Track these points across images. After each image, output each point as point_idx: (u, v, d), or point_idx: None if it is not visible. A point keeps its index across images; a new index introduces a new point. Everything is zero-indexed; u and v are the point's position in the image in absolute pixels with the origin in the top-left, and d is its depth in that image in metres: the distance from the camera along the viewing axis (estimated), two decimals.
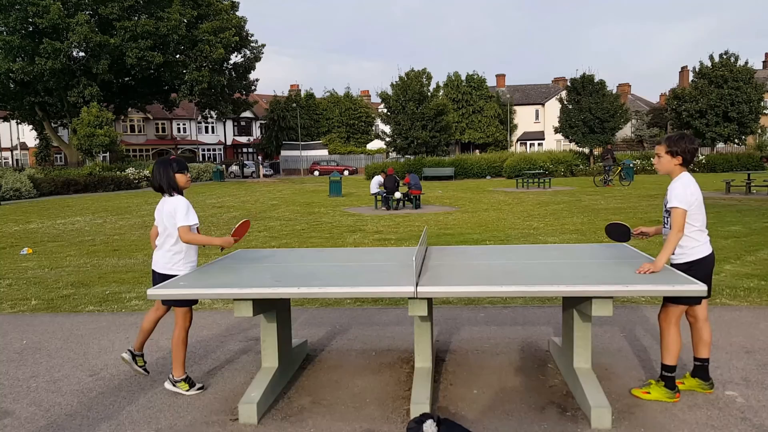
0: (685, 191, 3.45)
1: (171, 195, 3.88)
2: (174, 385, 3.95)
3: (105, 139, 33.30)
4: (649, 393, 3.60)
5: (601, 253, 4.24)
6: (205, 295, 3.42)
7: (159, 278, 3.88)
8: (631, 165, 26.44)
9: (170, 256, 3.89)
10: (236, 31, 39.63)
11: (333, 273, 3.80)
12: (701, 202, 3.54)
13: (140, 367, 4.13)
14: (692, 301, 3.52)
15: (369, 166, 37.04)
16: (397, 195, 17.35)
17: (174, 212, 3.80)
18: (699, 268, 3.48)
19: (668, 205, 3.48)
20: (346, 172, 48.50)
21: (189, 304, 3.93)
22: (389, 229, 12.45)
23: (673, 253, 3.57)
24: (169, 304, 3.98)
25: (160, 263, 3.92)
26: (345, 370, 4.31)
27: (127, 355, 4.10)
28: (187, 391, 3.93)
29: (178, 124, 59.20)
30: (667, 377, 3.57)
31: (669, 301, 3.56)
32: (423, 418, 3.08)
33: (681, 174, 3.57)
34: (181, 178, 3.90)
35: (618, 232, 4.15)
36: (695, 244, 3.51)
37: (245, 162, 50.36)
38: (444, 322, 5.43)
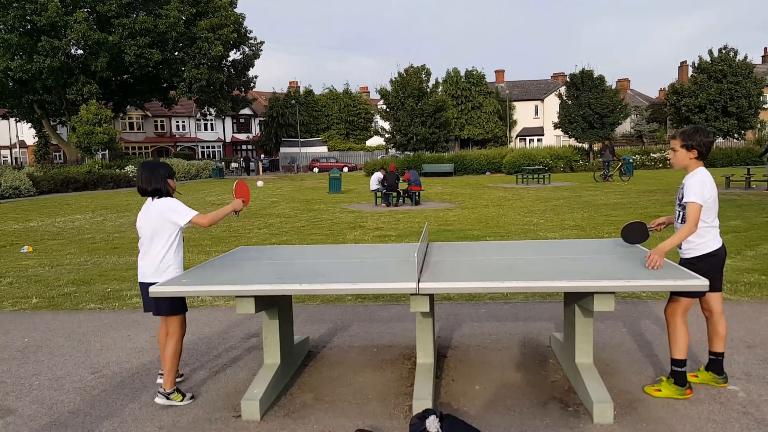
0: (702, 188, 3.44)
1: (159, 197, 3.75)
2: (168, 398, 3.74)
3: (104, 137, 33.26)
4: (660, 390, 3.57)
5: (601, 248, 4.24)
6: (207, 292, 3.42)
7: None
8: (631, 160, 26.40)
9: (159, 260, 3.70)
10: (234, 28, 39.54)
11: (334, 270, 3.80)
12: (716, 198, 3.53)
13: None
14: (698, 294, 3.50)
15: (368, 163, 37.00)
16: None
17: (170, 210, 3.69)
18: (708, 262, 3.48)
19: (684, 200, 3.45)
20: (345, 169, 48.50)
21: (183, 311, 3.80)
22: (389, 225, 12.45)
23: (681, 248, 3.58)
24: (162, 313, 3.74)
25: (149, 271, 3.72)
26: (347, 366, 4.31)
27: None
28: (181, 401, 3.74)
29: (177, 122, 59.12)
30: (678, 372, 3.53)
31: (675, 294, 3.54)
32: (425, 413, 3.09)
33: (698, 169, 3.54)
34: (171, 183, 3.83)
35: (635, 233, 4.04)
36: (702, 240, 3.50)
37: (250, 159, 50.03)
38: (445, 318, 5.44)
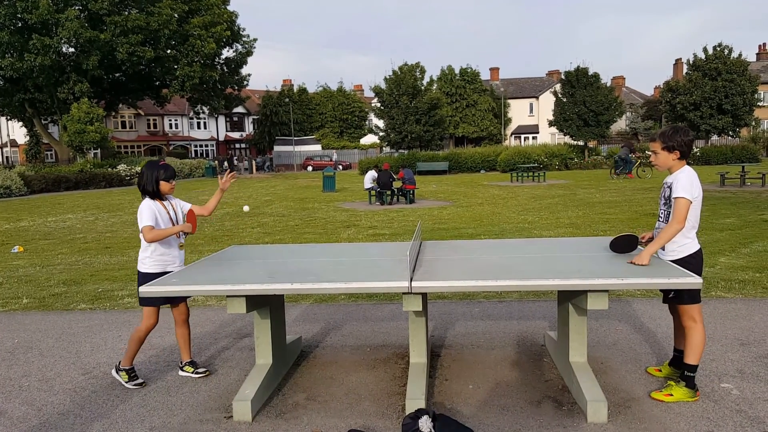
0: (691, 184, 3.40)
1: (143, 198, 4.00)
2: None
3: (96, 136, 33.04)
4: (671, 395, 3.49)
5: (596, 246, 4.23)
6: (197, 292, 3.38)
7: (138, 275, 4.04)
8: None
9: (141, 255, 4.02)
10: (228, 26, 39.33)
11: (327, 268, 3.76)
12: (701, 198, 3.49)
13: (198, 371, 4.18)
14: (698, 296, 3.44)
15: (363, 161, 36.94)
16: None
17: (138, 212, 3.93)
18: (694, 264, 3.44)
19: (673, 195, 3.41)
20: (339, 167, 48.41)
21: (152, 304, 4.00)
22: (383, 224, 12.42)
23: (663, 249, 3.53)
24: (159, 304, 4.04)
25: (139, 261, 4.08)
26: (339, 366, 4.28)
27: (181, 372, 4.25)
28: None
29: (170, 120, 58.78)
30: (689, 377, 3.49)
31: (678, 303, 3.49)
32: (418, 413, 3.07)
33: (683, 167, 3.51)
34: (164, 185, 3.99)
35: (625, 245, 3.90)
36: (686, 241, 3.47)
37: (233, 156, 49.53)
38: (439, 317, 5.42)
